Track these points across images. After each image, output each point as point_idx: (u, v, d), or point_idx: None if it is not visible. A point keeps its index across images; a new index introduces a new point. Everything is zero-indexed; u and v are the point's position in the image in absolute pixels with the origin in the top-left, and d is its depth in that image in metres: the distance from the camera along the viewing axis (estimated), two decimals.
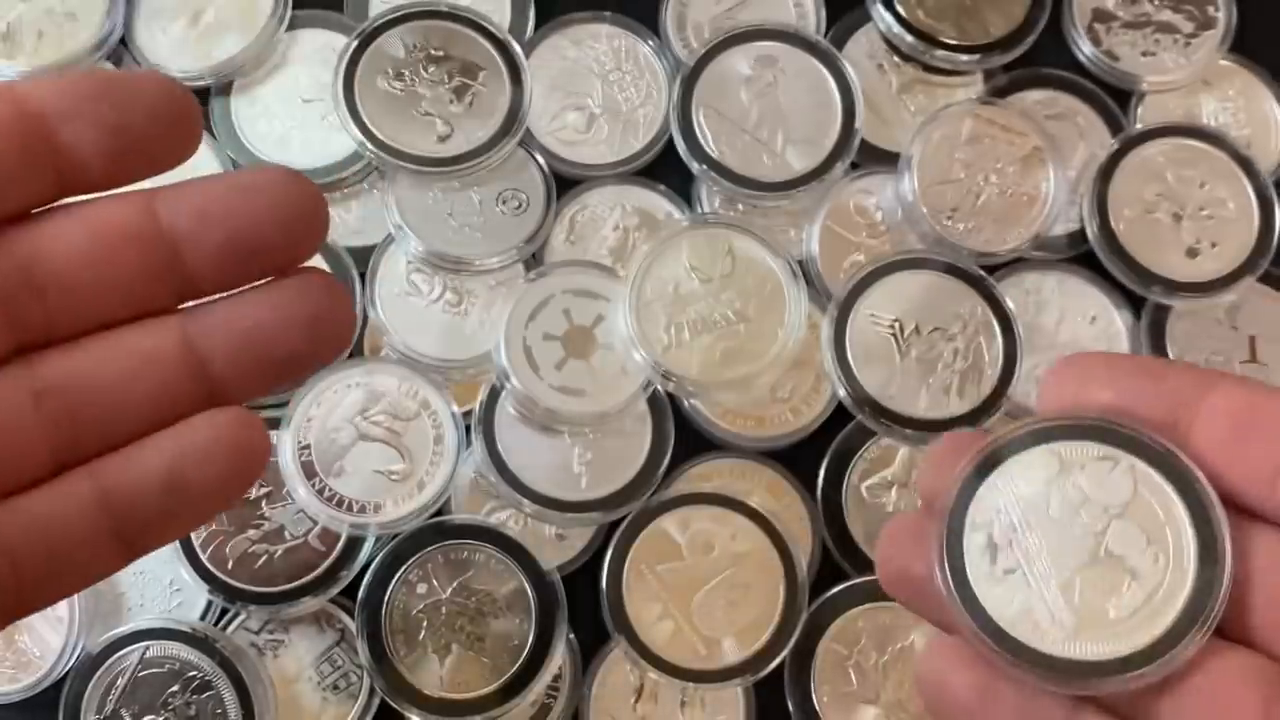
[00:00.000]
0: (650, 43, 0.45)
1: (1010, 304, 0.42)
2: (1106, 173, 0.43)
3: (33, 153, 0.24)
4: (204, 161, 0.43)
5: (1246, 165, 0.44)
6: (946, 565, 0.25)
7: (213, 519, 0.37)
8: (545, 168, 0.44)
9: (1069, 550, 0.24)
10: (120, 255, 0.25)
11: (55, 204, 0.25)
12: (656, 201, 0.44)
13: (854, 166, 0.44)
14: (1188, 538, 0.24)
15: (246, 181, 0.26)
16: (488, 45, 0.43)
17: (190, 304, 0.26)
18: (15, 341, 0.24)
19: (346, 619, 0.40)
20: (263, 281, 0.26)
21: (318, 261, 0.42)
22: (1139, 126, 0.44)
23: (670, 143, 0.44)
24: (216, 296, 0.26)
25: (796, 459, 0.42)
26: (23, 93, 0.24)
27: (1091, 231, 0.43)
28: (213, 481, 0.25)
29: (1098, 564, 0.24)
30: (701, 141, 0.43)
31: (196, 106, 0.26)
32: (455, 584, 0.40)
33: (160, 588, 0.40)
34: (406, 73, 0.43)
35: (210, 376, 0.25)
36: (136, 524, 0.25)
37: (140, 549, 0.26)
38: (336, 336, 0.27)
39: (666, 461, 0.41)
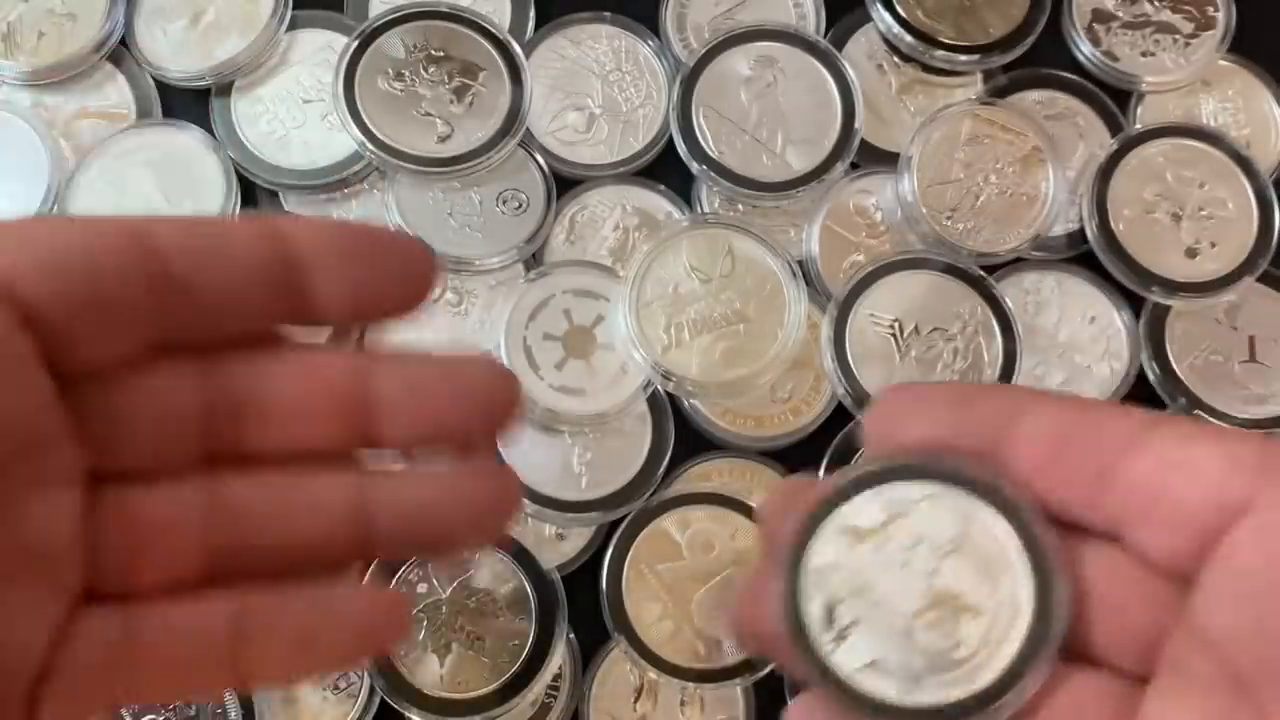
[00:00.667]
0: (650, 43, 0.45)
1: (1010, 304, 0.42)
2: (1106, 173, 0.43)
3: (280, 293, 0.25)
4: (206, 164, 0.43)
5: (1246, 165, 0.44)
6: (790, 625, 0.24)
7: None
8: (545, 168, 0.44)
9: (905, 596, 0.24)
10: (323, 408, 0.25)
11: (278, 338, 0.26)
12: (656, 202, 0.44)
13: (854, 167, 0.44)
14: (1021, 564, 0.24)
15: (457, 368, 0.26)
16: (488, 45, 0.44)
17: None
18: (205, 453, 0.25)
19: None
20: (444, 461, 0.27)
21: None
22: (1138, 127, 0.44)
23: (670, 143, 0.44)
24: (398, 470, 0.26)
25: (796, 459, 0.42)
26: (287, 232, 0.25)
27: (1091, 231, 0.43)
28: (339, 650, 0.25)
29: (935, 606, 0.24)
30: (701, 142, 0.44)
31: (434, 265, 0.26)
32: (455, 584, 0.40)
33: None
34: (407, 73, 0.43)
35: (370, 538, 0.25)
36: (257, 662, 0.25)
37: (246, 684, 0.26)
38: (496, 528, 0.27)
39: (666, 461, 0.41)
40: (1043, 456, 0.24)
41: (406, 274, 0.26)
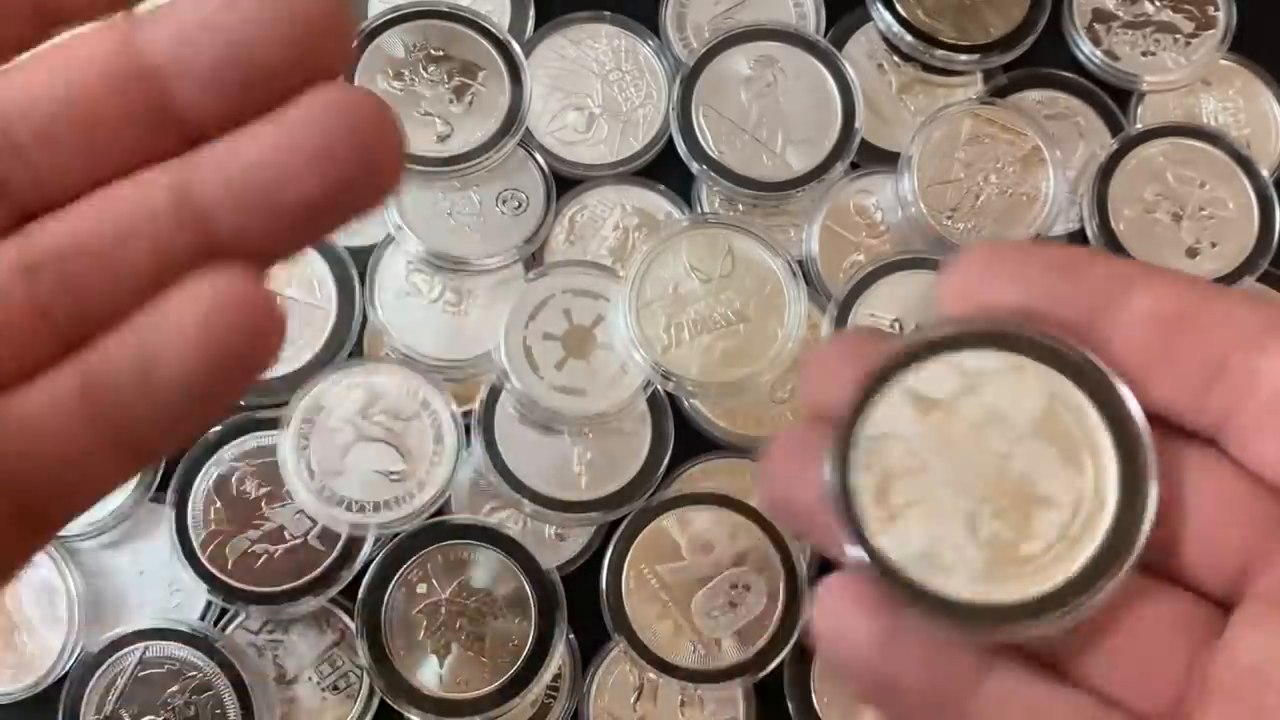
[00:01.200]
0: (650, 43, 0.45)
1: None
2: (1106, 173, 0.43)
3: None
4: None
5: (1247, 165, 0.44)
6: (838, 498, 0.21)
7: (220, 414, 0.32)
8: (545, 168, 0.44)
9: (973, 478, 0.21)
10: (101, 98, 0.20)
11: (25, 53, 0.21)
12: (656, 201, 0.44)
13: (854, 166, 0.44)
14: (1108, 459, 0.21)
15: None
16: (487, 45, 0.43)
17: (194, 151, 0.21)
18: (5, 212, 0.21)
19: (346, 619, 0.40)
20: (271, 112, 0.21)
21: (318, 262, 0.42)
22: (1139, 126, 0.44)
23: (670, 143, 0.44)
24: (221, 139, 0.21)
25: None
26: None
27: (1091, 231, 0.43)
28: (192, 366, 0.20)
29: (1005, 493, 0.21)
30: (701, 141, 0.43)
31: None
32: (455, 584, 0.40)
33: (160, 588, 0.40)
34: (406, 72, 0.43)
35: (213, 232, 0.21)
36: (124, 423, 0.21)
37: (144, 455, 0.22)
38: (369, 168, 0.20)
39: (666, 461, 0.41)
40: (1149, 340, 0.21)
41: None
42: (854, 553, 0.21)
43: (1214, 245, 0.43)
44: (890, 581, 0.21)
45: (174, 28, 0.20)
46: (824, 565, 0.42)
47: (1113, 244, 0.43)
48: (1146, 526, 0.21)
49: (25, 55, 0.21)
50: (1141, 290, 0.21)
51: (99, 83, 0.21)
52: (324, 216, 0.22)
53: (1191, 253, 0.43)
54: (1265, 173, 0.44)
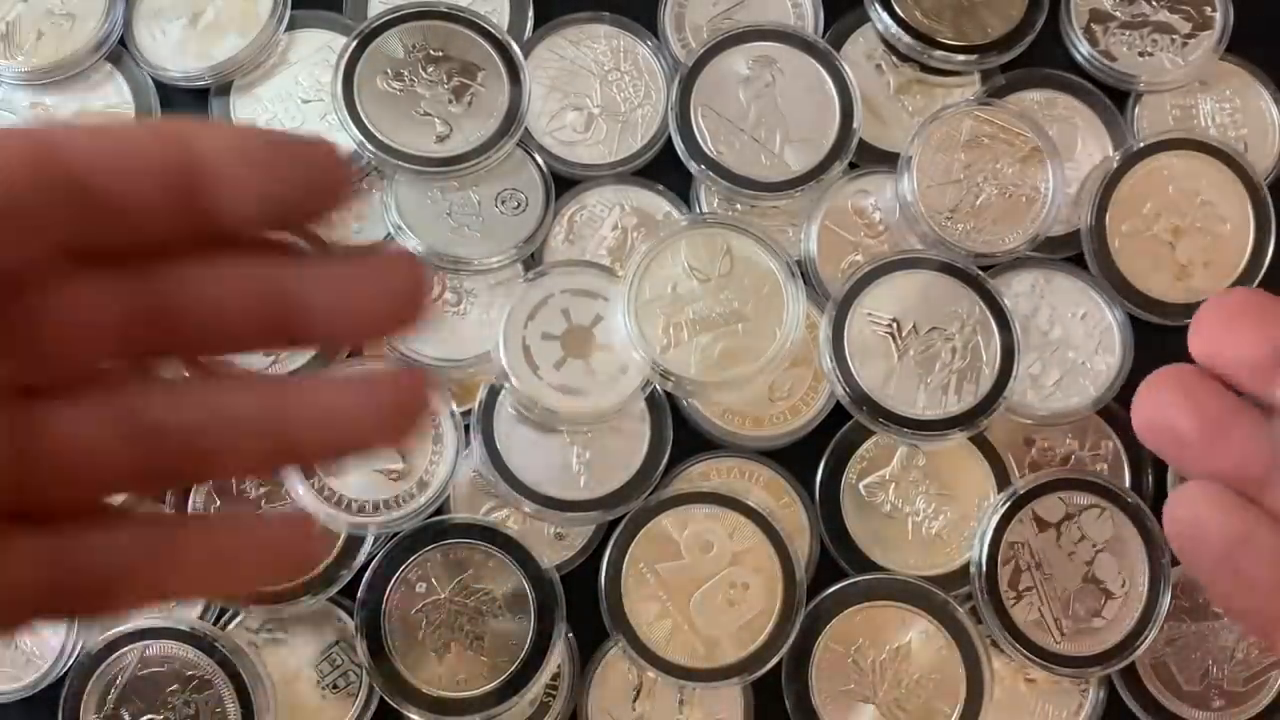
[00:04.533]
0: (649, 43, 0.46)
1: (1008, 303, 0.42)
2: (1110, 184, 0.43)
3: (185, 198, 0.24)
4: None
5: (1250, 184, 0.44)
6: None
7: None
8: (544, 168, 0.44)
9: None
10: (246, 309, 0.25)
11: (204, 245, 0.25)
12: (655, 201, 0.44)
13: (852, 166, 0.44)
14: None
15: (376, 268, 0.26)
16: (486, 45, 0.44)
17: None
18: (129, 363, 0.25)
19: (346, 618, 0.40)
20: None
21: None
22: (1141, 143, 0.44)
23: (669, 143, 0.44)
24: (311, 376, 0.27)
25: (795, 458, 0.42)
26: (192, 136, 0.24)
27: (1088, 250, 0.44)
28: (253, 572, 0.26)
29: None
30: (700, 141, 0.44)
31: (347, 172, 0.25)
32: (454, 583, 0.40)
33: None
34: (405, 73, 0.43)
35: (288, 445, 0.25)
36: (178, 582, 0.25)
37: (166, 600, 0.28)
38: (407, 428, 0.26)
39: (665, 461, 0.41)
40: None
41: (316, 180, 0.25)
42: None
43: (1206, 265, 0.43)
44: None
45: (325, 281, 0.25)
46: (822, 565, 0.42)
47: (1105, 258, 0.43)
48: None
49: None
50: None
51: (248, 302, 0.25)
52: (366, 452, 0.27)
53: (1183, 273, 0.43)
54: (1265, 190, 0.44)
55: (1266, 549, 0.25)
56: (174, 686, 0.38)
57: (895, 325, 0.42)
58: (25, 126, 0.23)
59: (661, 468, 0.41)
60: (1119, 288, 0.43)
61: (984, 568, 0.40)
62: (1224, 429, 0.26)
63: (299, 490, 0.39)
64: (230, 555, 0.26)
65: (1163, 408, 0.27)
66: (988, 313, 0.42)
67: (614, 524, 0.41)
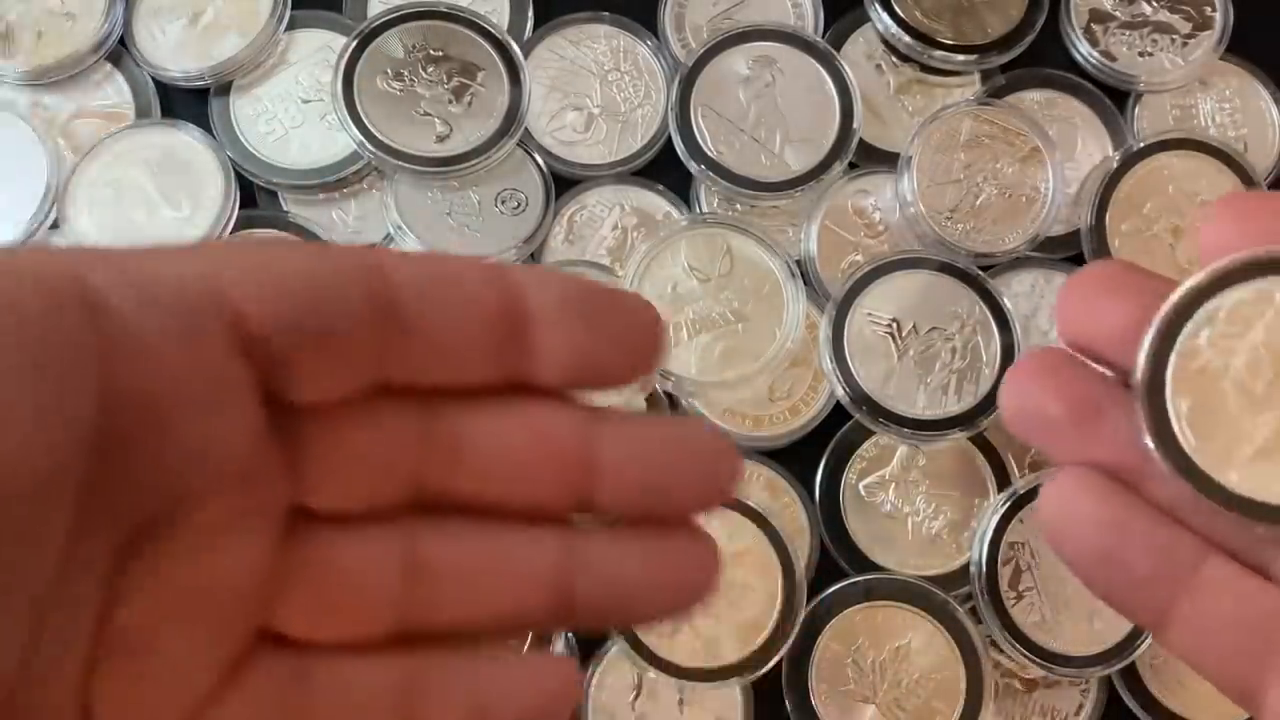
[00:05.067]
0: (649, 43, 0.46)
1: (1008, 303, 0.42)
2: (1112, 183, 0.43)
3: (505, 344, 0.23)
4: (205, 164, 0.43)
5: (1250, 185, 0.43)
6: (1146, 400, 0.24)
7: None
8: (544, 168, 0.44)
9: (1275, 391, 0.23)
10: (543, 465, 0.23)
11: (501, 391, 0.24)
12: (655, 201, 0.44)
13: (852, 166, 0.44)
14: None
15: (682, 435, 0.24)
16: (486, 45, 0.44)
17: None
18: (413, 501, 0.23)
19: None
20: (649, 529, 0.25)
21: None
22: (1141, 143, 0.44)
23: (669, 143, 0.44)
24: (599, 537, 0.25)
25: (795, 458, 0.42)
26: (517, 281, 0.23)
27: (1088, 250, 0.43)
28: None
29: None
30: (700, 141, 0.44)
31: (664, 333, 0.24)
32: None
33: None
34: (405, 73, 0.43)
35: (569, 608, 0.24)
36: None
37: None
38: (695, 602, 0.24)
39: None
40: None
41: (635, 341, 0.24)
42: (1149, 444, 0.23)
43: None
44: (1180, 468, 0.23)
45: (632, 446, 0.24)
46: (822, 565, 0.42)
47: (1105, 258, 0.43)
48: None
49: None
50: None
51: (548, 454, 0.23)
52: (642, 620, 0.26)
53: (1183, 273, 0.43)
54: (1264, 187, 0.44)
55: (1144, 538, 0.24)
56: None
57: (895, 325, 0.42)
58: (349, 245, 0.22)
59: None
60: None
61: (984, 568, 0.40)
62: (1096, 413, 0.25)
63: None
64: (485, 706, 0.23)
65: (1030, 393, 0.25)
66: (988, 313, 0.42)
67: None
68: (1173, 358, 0.24)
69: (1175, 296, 0.24)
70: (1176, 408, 0.24)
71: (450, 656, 0.23)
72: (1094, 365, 0.25)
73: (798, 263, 0.43)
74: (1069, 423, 0.24)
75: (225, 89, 0.45)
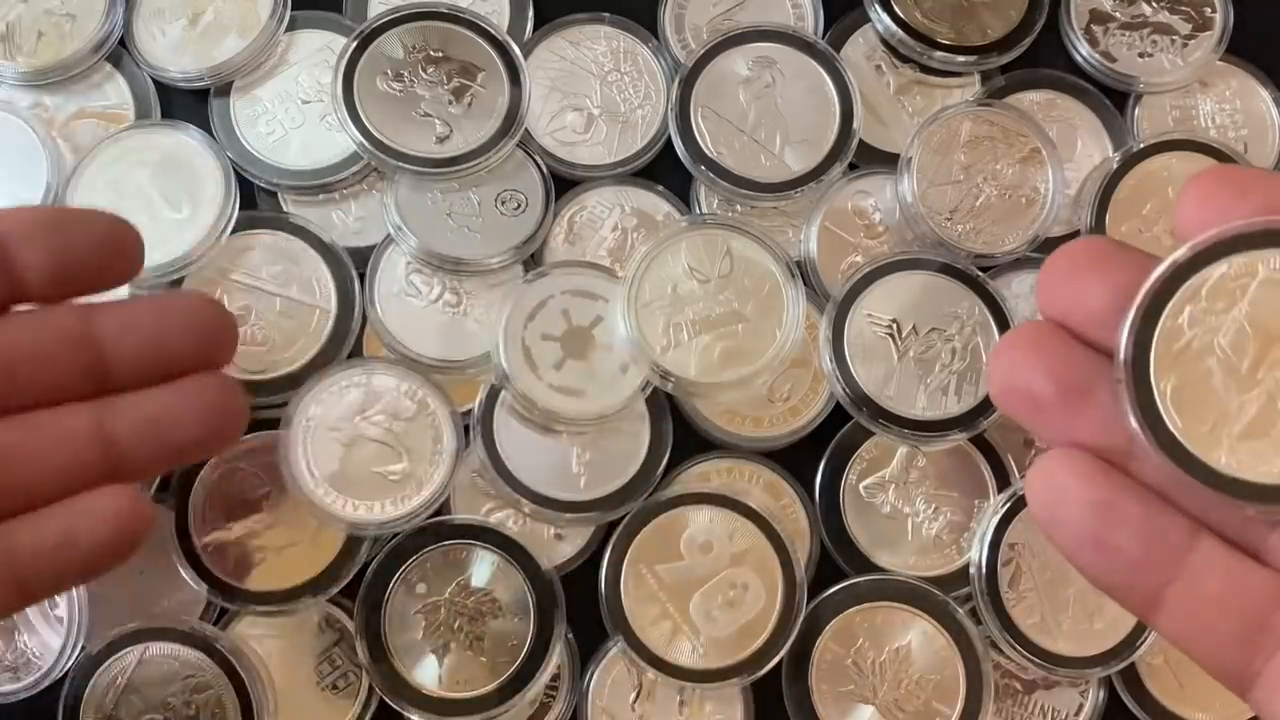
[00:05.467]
0: (649, 44, 0.46)
1: (1008, 304, 0.42)
2: (1111, 184, 0.43)
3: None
4: (205, 165, 0.43)
5: None
6: (1130, 377, 0.23)
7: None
8: (544, 168, 0.44)
9: (1258, 367, 0.23)
10: (55, 353, 0.30)
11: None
12: (655, 202, 0.44)
13: (852, 167, 0.45)
14: None
15: (167, 304, 0.33)
16: (486, 46, 0.44)
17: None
18: None
19: (346, 619, 0.40)
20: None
21: (318, 262, 0.42)
22: (1140, 144, 0.44)
23: (669, 144, 0.44)
24: (133, 392, 0.31)
25: (795, 459, 0.42)
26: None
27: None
28: (99, 545, 0.30)
29: None
30: (700, 142, 0.44)
31: (138, 239, 0.32)
32: (454, 584, 0.40)
33: (160, 588, 0.40)
34: (405, 73, 0.43)
35: (116, 455, 0.30)
36: (31, 576, 0.29)
37: (33, 597, 0.30)
38: (228, 426, 0.32)
39: (665, 461, 0.41)
40: None
41: (109, 245, 0.31)
42: (1135, 425, 0.23)
43: None
44: (1167, 449, 0.23)
45: (120, 319, 0.31)
46: (822, 566, 0.42)
47: None
48: None
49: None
50: None
51: (60, 342, 0.31)
52: (196, 453, 0.33)
53: None
54: None
55: (1133, 520, 0.24)
56: (174, 687, 0.38)
57: (895, 326, 0.42)
58: None
59: (661, 468, 0.41)
60: None
61: (984, 568, 0.40)
62: (1084, 392, 0.24)
63: (300, 491, 0.39)
64: (67, 546, 0.29)
65: (1019, 370, 0.25)
66: (988, 313, 0.42)
67: (614, 525, 0.41)
68: (1156, 337, 0.23)
69: (1156, 274, 0.24)
70: (1161, 388, 0.23)
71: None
72: (1084, 344, 0.25)
73: (798, 263, 0.43)
74: (1057, 402, 0.24)
75: (225, 90, 0.45)
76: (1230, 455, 0.23)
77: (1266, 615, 0.23)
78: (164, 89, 0.45)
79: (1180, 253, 0.24)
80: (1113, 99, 0.46)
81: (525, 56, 0.44)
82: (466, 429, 0.41)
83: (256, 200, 0.44)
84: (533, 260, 0.43)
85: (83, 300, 0.32)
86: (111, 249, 0.31)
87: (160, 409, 0.31)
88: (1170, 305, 0.23)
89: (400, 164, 0.42)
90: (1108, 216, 0.43)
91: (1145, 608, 0.24)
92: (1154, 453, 0.23)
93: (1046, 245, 0.44)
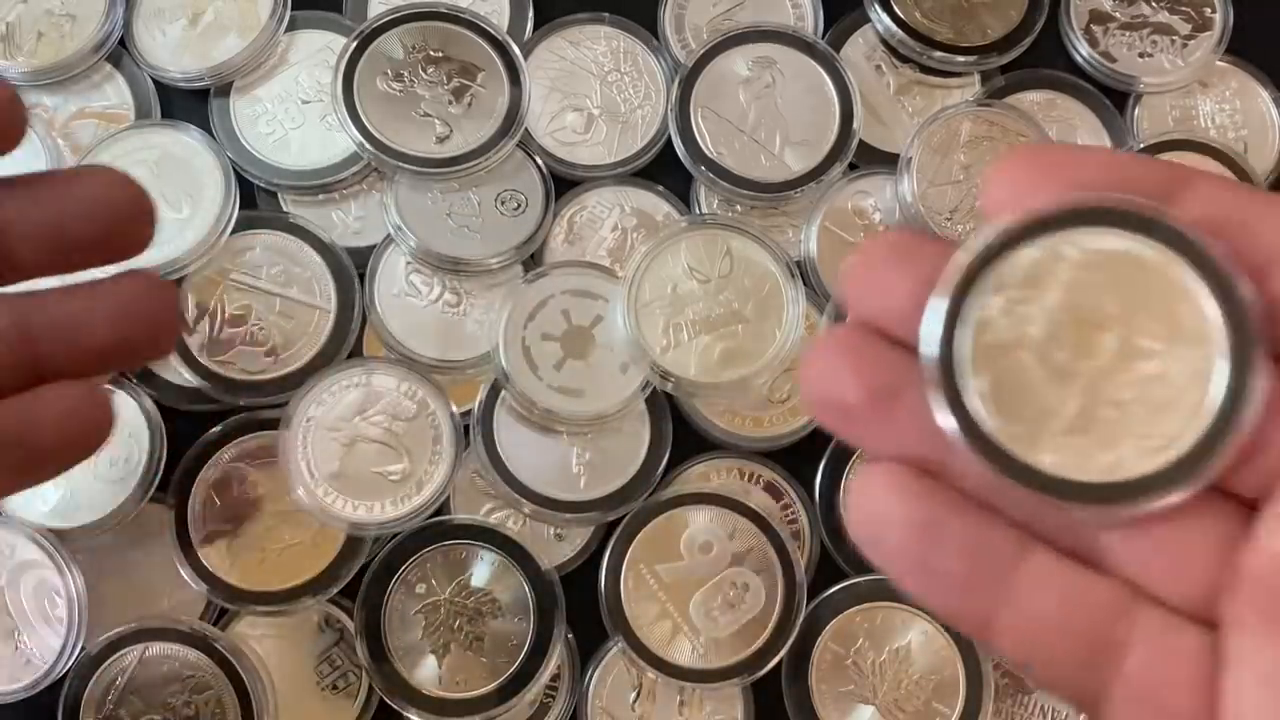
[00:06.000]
0: (649, 44, 0.46)
1: None
2: None
3: None
4: (205, 165, 0.43)
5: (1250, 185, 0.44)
6: (938, 374, 0.21)
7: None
8: (544, 169, 0.44)
9: (1075, 359, 0.21)
10: None
11: None
12: (655, 202, 0.44)
13: (852, 168, 0.45)
14: (1217, 346, 0.21)
15: (74, 183, 0.30)
16: (486, 46, 0.44)
17: (25, 290, 0.30)
18: None
19: (346, 619, 0.40)
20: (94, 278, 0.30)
21: (318, 262, 0.42)
22: (1140, 144, 0.44)
23: (669, 144, 0.44)
24: (52, 288, 0.30)
25: (795, 459, 0.42)
26: None
27: None
28: (62, 433, 0.29)
29: (1107, 375, 0.21)
30: (700, 142, 0.44)
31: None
32: (454, 584, 0.40)
33: (160, 588, 0.40)
34: (405, 73, 0.43)
35: (40, 355, 0.29)
36: None
37: None
38: (155, 330, 0.31)
39: (665, 461, 0.41)
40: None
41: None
42: (949, 429, 0.21)
43: None
44: (985, 453, 0.21)
45: (17, 201, 0.29)
46: (822, 566, 0.42)
47: None
48: (1250, 416, 0.20)
49: None
50: (1192, 194, 0.21)
51: None
52: (124, 357, 0.32)
53: None
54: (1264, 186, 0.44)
55: (955, 538, 0.22)
56: (174, 687, 0.38)
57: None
58: None
59: (661, 468, 0.41)
60: None
61: None
62: (897, 398, 0.22)
63: (299, 491, 0.39)
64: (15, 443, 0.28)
65: (826, 378, 0.23)
66: None
67: (614, 525, 0.41)
68: (965, 331, 0.21)
69: (959, 261, 0.22)
70: (975, 386, 0.21)
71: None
72: (899, 345, 0.23)
73: (798, 264, 0.43)
74: (869, 410, 0.22)
75: (225, 90, 0.45)
76: (1054, 454, 0.21)
77: (1107, 629, 0.21)
78: (164, 89, 0.45)
79: (983, 236, 0.22)
80: (1113, 99, 0.46)
81: (525, 56, 0.44)
82: (466, 429, 0.41)
83: (256, 200, 0.44)
84: (533, 260, 0.43)
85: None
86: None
87: (74, 310, 0.29)
88: (978, 295, 0.21)
89: (400, 164, 0.42)
90: None
91: (980, 633, 0.22)
92: (971, 458, 0.21)
93: None
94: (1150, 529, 0.21)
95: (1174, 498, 0.21)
